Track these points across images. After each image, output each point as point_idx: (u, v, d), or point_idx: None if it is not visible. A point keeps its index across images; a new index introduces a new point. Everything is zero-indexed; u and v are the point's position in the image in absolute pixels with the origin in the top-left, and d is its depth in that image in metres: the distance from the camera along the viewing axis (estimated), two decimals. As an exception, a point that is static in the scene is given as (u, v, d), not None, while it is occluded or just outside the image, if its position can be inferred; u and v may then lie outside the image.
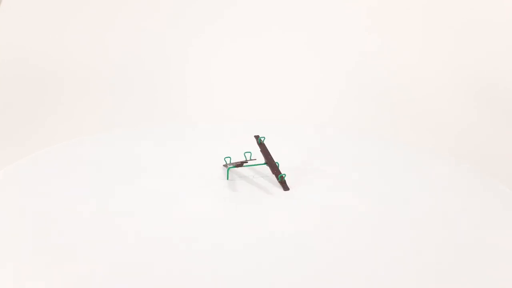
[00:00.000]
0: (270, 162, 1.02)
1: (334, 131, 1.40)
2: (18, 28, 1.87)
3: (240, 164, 1.03)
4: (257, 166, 1.05)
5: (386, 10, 1.94)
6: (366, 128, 1.69)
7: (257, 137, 1.09)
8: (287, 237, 0.82)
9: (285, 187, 0.98)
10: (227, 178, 1.01)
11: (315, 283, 0.71)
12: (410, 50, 1.91)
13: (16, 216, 0.86)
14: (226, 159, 1.05)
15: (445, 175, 1.10)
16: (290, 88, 1.91)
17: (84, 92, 1.84)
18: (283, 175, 0.98)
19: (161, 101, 1.85)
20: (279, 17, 1.98)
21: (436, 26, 1.90)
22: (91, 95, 1.84)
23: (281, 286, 0.71)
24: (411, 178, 1.06)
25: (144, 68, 1.92)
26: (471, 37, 1.85)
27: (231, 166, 1.02)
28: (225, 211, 0.91)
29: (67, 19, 1.91)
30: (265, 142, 1.09)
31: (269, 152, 1.05)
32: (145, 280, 0.70)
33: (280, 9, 1.98)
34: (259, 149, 1.07)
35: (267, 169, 1.05)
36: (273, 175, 1.01)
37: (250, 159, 1.05)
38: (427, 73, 1.87)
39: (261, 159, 1.05)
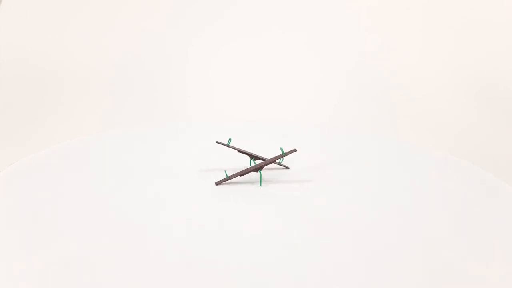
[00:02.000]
0: (260, 165, 1.01)
1: (334, 131, 1.40)
2: (18, 28, 1.87)
3: (261, 166, 1.00)
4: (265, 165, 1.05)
5: (386, 10, 1.94)
6: (366, 128, 1.70)
7: (218, 142, 1.07)
8: (286, 234, 0.82)
9: (218, 182, 0.97)
10: (260, 184, 0.99)
11: (317, 280, 0.71)
12: (410, 50, 1.91)
13: (18, 216, 0.86)
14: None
15: (445, 174, 1.10)
16: (290, 88, 1.91)
17: (84, 92, 1.84)
18: (226, 176, 0.98)
19: (161, 101, 1.85)
20: (279, 17, 1.98)
21: (436, 26, 1.90)
22: (91, 95, 1.84)
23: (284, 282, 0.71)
24: (412, 177, 1.07)
25: (144, 68, 1.92)
26: (471, 37, 1.85)
27: (260, 170, 0.99)
28: (225, 210, 0.91)
29: (67, 19, 1.91)
30: (264, 141, 1.10)
31: (272, 160, 1.03)
32: (145, 278, 0.70)
33: (280, 9, 1.98)
34: (237, 151, 1.06)
35: (268, 169, 1.06)
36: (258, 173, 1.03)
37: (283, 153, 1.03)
38: (427, 73, 1.87)
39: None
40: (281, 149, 1.03)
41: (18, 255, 0.76)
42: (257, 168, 0.99)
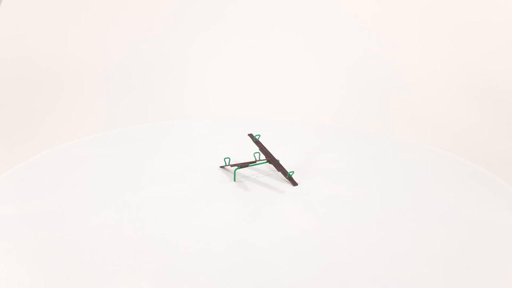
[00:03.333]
0: (272, 160, 1.03)
1: (334, 131, 1.40)
2: (18, 28, 1.86)
3: (245, 165, 1.02)
4: (259, 165, 1.05)
5: (386, 11, 1.94)
6: (366, 128, 1.70)
7: (251, 135, 1.10)
8: (299, 234, 0.82)
9: (294, 183, 1.00)
10: (234, 180, 1.01)
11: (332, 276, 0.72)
12: (411, 51, 1.91)
13: (19, 218, 0.86)
14: (225, 159, 1.05)
15: (446, 174, 1.11)
16: (291, 88, 1.91)
17: (83, 93, 1.84)
18: (291, 173, 1.00)
19: (161, 101, 1.85)
20: (280, 18, 1.98)
21: (436, 26, 1.91)
22: (91, 95, 1.84)
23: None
24: (412, 177, 1.07)
25: (144, 68, 1.92)
26: (471, 38, 1.85)
27: (238, 167, 1.02)
28: (229, 209, 0.91)
29: (67, 19, 1.91)
30: (265, 141, 1.09)
31: (267, 150, 1.06)
32: (145, 278, 0.71)
33: (281, 10, 1.98)
34: (258, 148, 1.07)
35: (269, 167, 1.05)
36: (273, 173, 1.03)
37: (259, 159, 1.05)
38: (428, 74, 1.87)
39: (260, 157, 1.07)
40: (254, 155, 1.07)
41: (19, 256, 0.76)
42: (241, 165, 1.02)
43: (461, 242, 0.84)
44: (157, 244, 0.80)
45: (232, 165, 1.02)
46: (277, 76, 1.93)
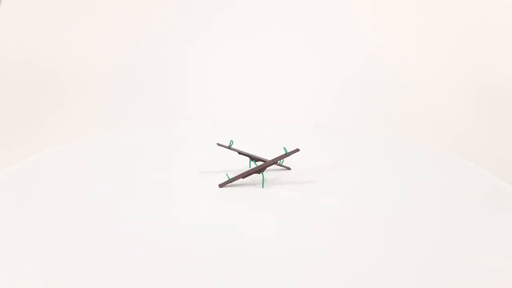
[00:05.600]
0: (262, 166, 1.00)
1: (334, 131, 1.40)
2: (18, 28, 1.87)
3: (250, 156, 1.02)
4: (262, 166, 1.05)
5: (386, 11, 1.94)
6: (366, 127, 1.70)
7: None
8: (289, 238, 0.82)
9: (221, 184, 0.96)
10: (262, 186, 0.98)
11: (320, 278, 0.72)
12: (411, 50, 1.91)
13: (19, 218, 0.86)
14: (231, 142, 1.05)
15: (446, 174, 1.11)
16: (290, 88, 1.91)
17: (84, 93, 1.84)
18: (229, 178, 0.96)
19: (161, 101, 1.85)
20: (279, 18, 1.98)
21: (437, 26, 1.91)
22: (91, 96, 1.84)
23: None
24: (413, 177, 1.07)
25: (144, 68, 1.92)
26: (471, 37, 1.85)
27: (262, 170, 0.99)
28: (228, 213, 0.91)
29: (67, 19, 1.91)
30: (261, 140, 1.10)
31: (275, 161, 1.02)
32: (145, 278, 0.70)
33: (281, 9, 1.98)
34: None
35: (274, 171, 1.05)
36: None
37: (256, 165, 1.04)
38: (427, 73, 1.87)
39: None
40: (284, 149, 1.02)
41: (18, 257, 0.76)
42: (259, 170, 0.99)
43: (461, 241, 0.84)
44: (164, 247, 0.80)
45: (244, 176, 0.98)
46: (276, 76, 1.93)
